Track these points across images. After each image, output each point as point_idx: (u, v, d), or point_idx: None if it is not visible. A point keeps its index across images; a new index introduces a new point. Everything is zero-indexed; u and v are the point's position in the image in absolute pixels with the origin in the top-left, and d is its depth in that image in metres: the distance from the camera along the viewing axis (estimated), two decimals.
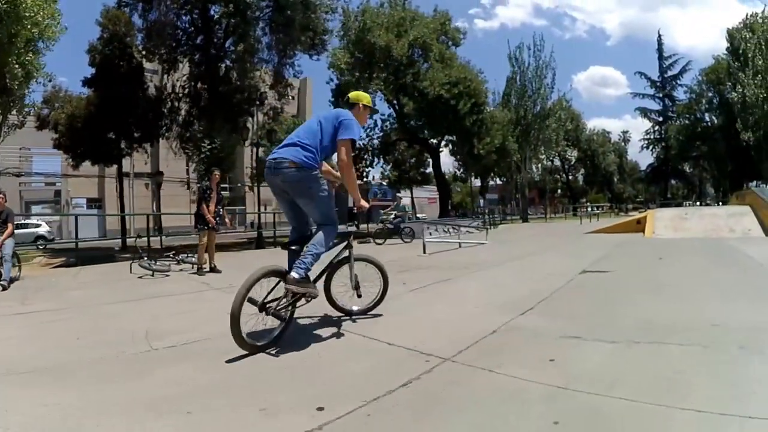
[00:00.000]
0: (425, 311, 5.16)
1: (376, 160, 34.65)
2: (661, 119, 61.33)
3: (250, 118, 22.63)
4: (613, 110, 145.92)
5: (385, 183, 42.01)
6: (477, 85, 29.23)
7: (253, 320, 3.61)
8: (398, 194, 16.53)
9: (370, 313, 4.74)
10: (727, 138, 43.26)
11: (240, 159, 37.62)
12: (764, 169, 35.12)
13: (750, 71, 32.22)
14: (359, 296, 4.51)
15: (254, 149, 24.69)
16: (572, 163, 68.04)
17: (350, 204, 5.10)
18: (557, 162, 66.09)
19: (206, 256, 9.50)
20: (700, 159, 55.30)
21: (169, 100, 21.33)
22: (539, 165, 55.03)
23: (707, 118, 51.57)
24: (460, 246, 13.57)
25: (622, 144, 71.28)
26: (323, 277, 4.38)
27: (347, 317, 4.63)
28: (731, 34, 36.36)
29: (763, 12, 32.32)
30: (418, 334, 3.99)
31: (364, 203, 4.21)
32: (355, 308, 4.69)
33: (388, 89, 29.73)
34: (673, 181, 67.80)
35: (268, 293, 3.69)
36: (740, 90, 33.29)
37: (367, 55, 28.26)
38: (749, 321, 4.07)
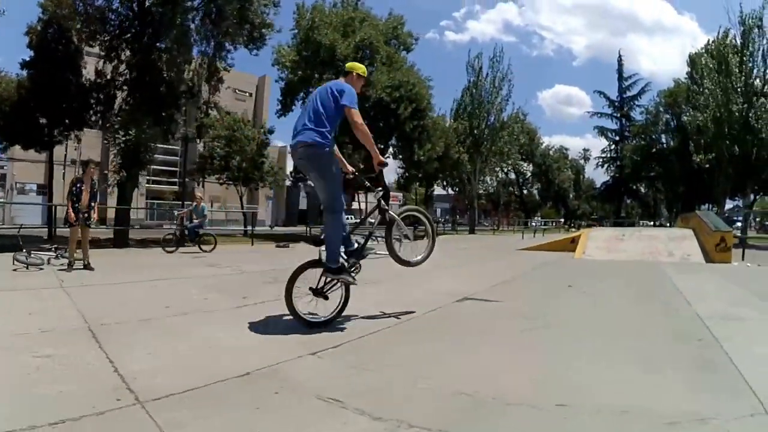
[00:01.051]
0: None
1: None
2: (617, 138, 61.17)
3: (177, 112, 21.14)
4: (576, 129, 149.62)
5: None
6: (421, 90, 28.10)
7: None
8: (198, 193, 15.23)
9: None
10: (681, 160, 42.62)
11: (193, 153, 35.62)
12: (716, 193, 34.55)
13: (702, 95, 31.65)
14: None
15: (184, 144, 23.78)
16: (527, 177, 67.37)
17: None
18: (512, 175, 65.59)
19: (80, 252, 9.06)
20: (654, 180, 54.69)
21: (110, 88, 20.21)
22: (494, 177, 54.27)
23: (663, 140, 51.12)
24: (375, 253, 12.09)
25: (581, 161, 71.00)
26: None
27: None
28: (692, 59, 35.86)
29: (717, 36, 31.69)
30: None
31: (381, 159, 4.46)
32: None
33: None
34: (628, 201, 67.73)
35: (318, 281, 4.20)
36: (694, 113, 32.73)
37: (313, 53, 27.68)
38: (616, 402, 2.66)
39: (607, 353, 3.74)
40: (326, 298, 4.22)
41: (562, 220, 62.18)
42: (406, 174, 35.77)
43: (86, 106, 19.81)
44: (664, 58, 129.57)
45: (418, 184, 42.22)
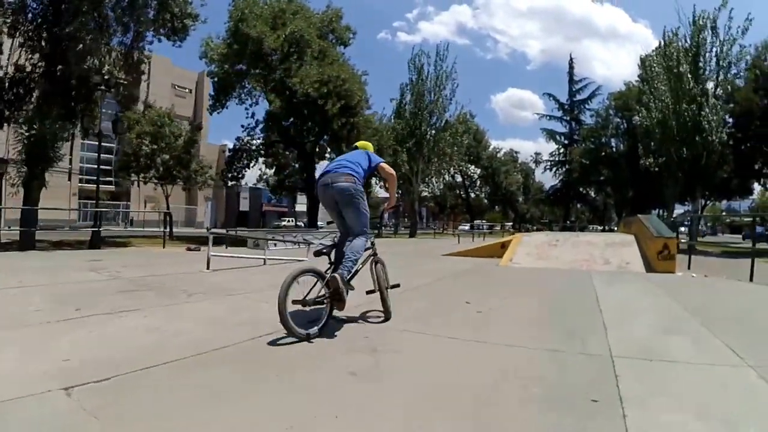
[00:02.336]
0: None
1: (254, 161, 31.68)
2: (566, 142, 60.54)
3: (92, 105, 19.89)
4: (529, 133, 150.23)
5: (262, 186, 37.77)
6: (353, 86, 26.19)
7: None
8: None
9: None
10: (631, 164, 42.16)
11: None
12: (666, 197, 33.59)
13: (653, 95, 30.54)
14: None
15: (99, 140, 21.79)
16: (474, 179, 66.10)
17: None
18: (459, 178, 64.44)
19: None
20: (603, 184, 54.16)
21: (29, 82, 18.67)
22: (440, 179, 52.87)
23: (613, 144, 50.65)
24: (264, 263, 10.94)
25: (532, 165, 70.12)
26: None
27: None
28: (643, 61, 34.95)
29: (663, 37, 30.65)
30: None
31: (394, 204, 5.53)
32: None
33: (260, 84, 27.55)
34: (579, 205, 67.34)
35: (309, 291, 4.06)
36: (645, 114, 31.66)
37: (241, 46, 26.48)
38: None
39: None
40: (307, 307, 4.05)
41: (510, 223, 61.12)
42: None
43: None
44: (617, 64, 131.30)
45: None
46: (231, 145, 33.39)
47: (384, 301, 4.86)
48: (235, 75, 28.07)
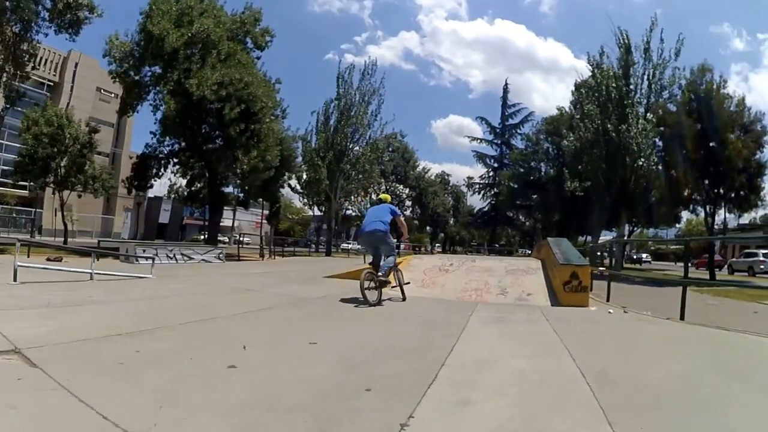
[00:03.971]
0: None
1: (163, 170, 29.15)
2: (496, 165, 60.22)
3: None
4: (466, 158, 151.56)
5: (171, 197, 34.65)
6: (256, 90, 24.07)
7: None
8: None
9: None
10: (559, 189, 41.58)
11: None
12: (591, 223, 32.77)
13: (583, 116, 29.57)
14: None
15: None
16: (402, 199, 64.78)
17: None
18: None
19: None
20: (532, 208, 53.59)
21: None
22: (365, 198, 51.17)
23: (543, 169, 50.14)
24: (92, 278, 9.62)
25: (463, 188, 69.53)
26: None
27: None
28: (577, 87, 34.40)
29: (589, 58, 29.91)
30: None
31: (406, 236, 11.17)
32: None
33: (160, 84, 25.19)
34: (509, 229, 66.92)
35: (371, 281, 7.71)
36: (574, 137, 30.76)
37: (144, 44, 24.81)
38: None
39: None
40: (376, 286, 7.77)
41: (438, 245, 60.13)
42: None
43: None
44: (556, 96, 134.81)
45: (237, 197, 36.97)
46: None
47: (402, 290, 8.43)
48: (151, 77, 26.24)
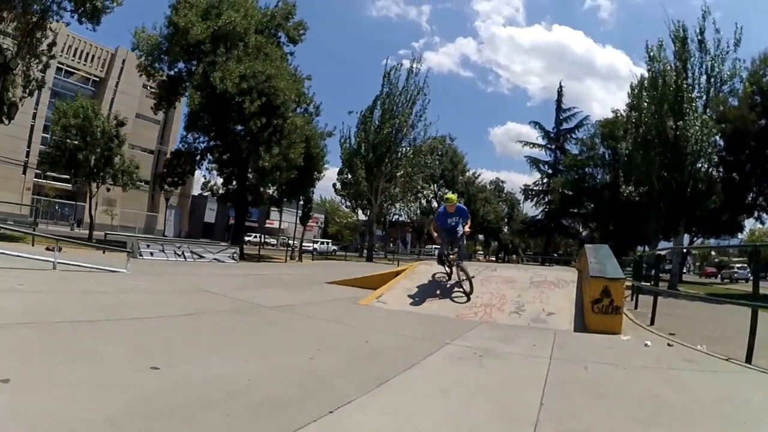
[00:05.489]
0: None
1: (197, 167, 28.53)
2: (550, 171, 57.20)
3: None
4: (524, 166, 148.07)
5: (206, 195, 33.99)
6: (278, 83, 22.77)
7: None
8: None
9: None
10: (614, 196, 38.72)
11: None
12: (648, 231, 29.77)
13: (638, 116, 26.82)
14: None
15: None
16: None
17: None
18: (435, 203, 60.36)
19: None
20: (587, 216, 51.09)
21: None
22: (415, 204, 49.35)
23: (599, 175, 47.62)
24: (54, 267, 9.53)
25: (519, 196, 66.37)
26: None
27: None
28: (633, 89, 31.73)
29: (648, 50, 27.01)
30: None
31: (468, 231, 9.07)
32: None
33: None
34: (567, 238, 63.59)
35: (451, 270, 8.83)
36: (631, 136, 28.05)
37: (170, 36, 24.36)
38: None
39: None
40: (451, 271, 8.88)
41: (481, 253, 57.99)
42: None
43: None
44: (615, 104, 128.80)
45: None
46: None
47: (470, 282, 8.31)
48: (185, 71, 25.92)
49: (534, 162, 58.72)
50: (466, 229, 8.65)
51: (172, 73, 26.12)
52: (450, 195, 9.04)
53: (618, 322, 6.38)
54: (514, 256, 64.37)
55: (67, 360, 3.55)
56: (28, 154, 42.39)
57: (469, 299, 7.89)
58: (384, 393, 3.32)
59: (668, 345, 5.67)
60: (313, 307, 7.49)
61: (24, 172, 43.08)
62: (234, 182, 27.24)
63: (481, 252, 66.10)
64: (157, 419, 2.58)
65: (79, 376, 3.19)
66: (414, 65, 37.23)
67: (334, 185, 45.49)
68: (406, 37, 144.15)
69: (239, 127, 23.86)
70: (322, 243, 46.30)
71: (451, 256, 8.55)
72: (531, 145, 60.57)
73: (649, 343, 5.69)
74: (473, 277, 8.36)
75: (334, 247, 47.88)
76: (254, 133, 22.34)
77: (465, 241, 8.78)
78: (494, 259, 59.55)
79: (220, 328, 5.50)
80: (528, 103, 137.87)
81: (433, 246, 56.79)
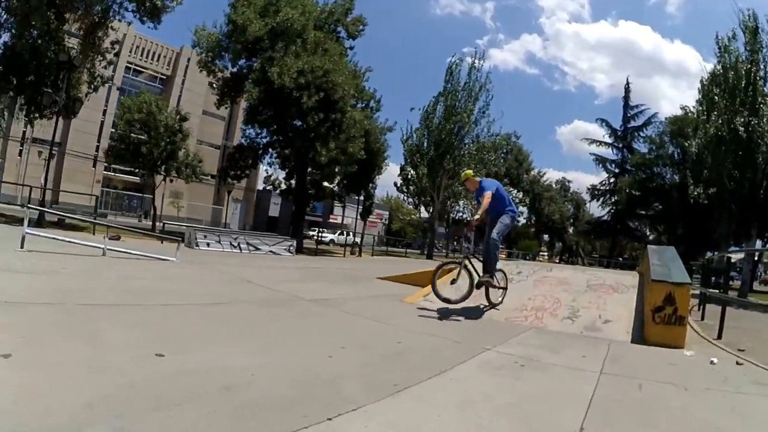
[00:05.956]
0: None
1: (259, 161, 29.15)
2: (617, 171, 55.07)
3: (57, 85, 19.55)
4: (592, 166, 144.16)
5: (268, 189, 34.42)
6: (336, 78, 22.73)
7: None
8: None
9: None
10: (682, 197, 36.75)
11: None
12: (718, 234, 27.82)
13: (707, 113, 25.08)
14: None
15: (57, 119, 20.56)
16: (515, 204, 61.26)
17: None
18: None
19: None
20: (654, 218, 49.39)
21: None
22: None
23: (667, 175, 45.93)
24: (104, 254, 9.76)
25: (585, 196, 64.63)
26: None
27: None
28: (703, 84, 29.88)
29: (719, 42, 25.17)
30: None
31: (480, 217, 6.82)
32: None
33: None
34: (635, 242, 61.04)
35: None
36: (700, 135, 26.37)
37: (228, 34, 25.05)
38: None
39: None
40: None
41: (545, 253, 56.33)
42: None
43: None
44: (686, 102, 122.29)
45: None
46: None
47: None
48: (246, 69, 26.25)
49: (600, 160, 56.89)
50: (478, 213, 6.72)
51: (234, 69, 26.66)
52: (467, 170, 7.78)
53: (681, 335, 5.76)
54: (579, 258, 62.03)
55: (72, 340, 3.55)
56: (97, 149, 44.57)
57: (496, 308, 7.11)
58: (397, 402, 3.00)
59: (737, 363, 5.03)
60: (353, 303, 7.30)
61: (94, 165, 45.49)
62: (295, 176, 27.54)
63: (545, 253, 64.06)
64: (134, 407, 2.44)
65: (76, 357, 3.16)
66: (476, 61, 36.62)
67: (395, 183, 45.68)
68: (471, 35, 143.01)
69: (298, 122, 24.02)
70: (341, 234, 46.06)
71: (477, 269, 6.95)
72: (597, 143, 58.56)
73: (715, 360, 5.07)
74: (505, 288, 7.38)
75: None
76: (312, 127, 22.49)
77: (492, 232, 6.91)
78: (557, 261, 57.76)
79: (247, 319, 5.38)
80: (595, 101, 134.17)
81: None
